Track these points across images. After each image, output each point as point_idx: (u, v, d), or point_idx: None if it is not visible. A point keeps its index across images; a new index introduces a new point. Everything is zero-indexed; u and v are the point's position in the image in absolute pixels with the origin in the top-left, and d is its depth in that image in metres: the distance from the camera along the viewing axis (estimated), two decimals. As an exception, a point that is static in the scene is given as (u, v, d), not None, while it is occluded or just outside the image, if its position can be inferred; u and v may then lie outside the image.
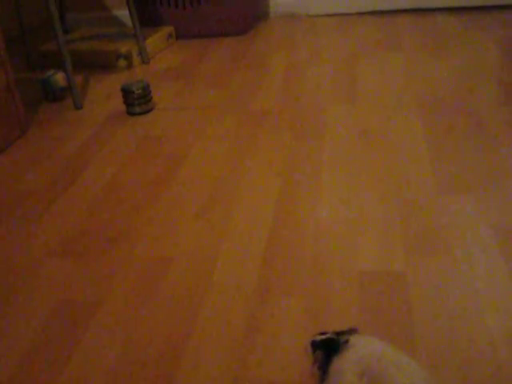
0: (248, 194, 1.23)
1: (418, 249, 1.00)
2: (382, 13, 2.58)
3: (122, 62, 2.15)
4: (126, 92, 1.66)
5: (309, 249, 1.03)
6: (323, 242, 1.04)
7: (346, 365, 0.63)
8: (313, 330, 0.85)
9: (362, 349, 0.65)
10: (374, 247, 1.01)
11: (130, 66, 2.17)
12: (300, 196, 1.19)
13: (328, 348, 0.67)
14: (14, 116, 1.62)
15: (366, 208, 1.13)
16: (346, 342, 0.66)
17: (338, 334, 0.69)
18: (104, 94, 1.91)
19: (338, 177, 1.25)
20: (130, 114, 1.70)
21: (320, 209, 1.14)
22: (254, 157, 1.38)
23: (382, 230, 1.06)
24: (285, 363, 0.80)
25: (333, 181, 1.23)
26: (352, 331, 0.70)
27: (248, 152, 1.41)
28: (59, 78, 1.86)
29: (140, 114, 1.69)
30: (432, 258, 0.97)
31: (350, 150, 1.35)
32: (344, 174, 1.26)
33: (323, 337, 0.69)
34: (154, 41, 2.30)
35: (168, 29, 2.42)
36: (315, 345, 0.68)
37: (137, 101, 1.67)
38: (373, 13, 2.60)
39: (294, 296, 0.92)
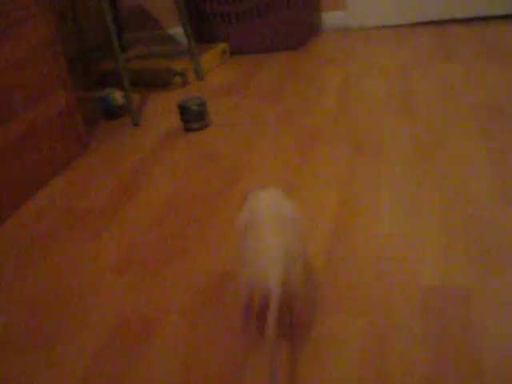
0: (306, 209, 1.22)
1: (483, 264, 0.97)
2: (435, 23, 2.54)
3: (178, 79, 2.19)
4: (183, 108, 1.69)
5: (369, 265, 1.01)
6: (384, 258, 1.02)
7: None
8: (376, 347, 0.83)
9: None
10: (437, 262, 0.99)
11: (185, 82, 2.20)
12: (359, 211, 1.18)
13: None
14: (74, 134, 1.67)
15: (426, 222, 1.10)
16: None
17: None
18: (161, 111, 1.95)
19: (398, 191, 1.23)
20: (187, 130, 1.72)
21: (380, 224, 1.12)
22: (311, 171, 1.38)
23: (444, 245, 1.03)
24: (347, 382, 0.79)
25: (392, 195, 1.21)
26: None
27: (305, 167, 1.40)
28: (117, 96, 1.91)
29: (197, 129, 1.71)
30: (498, 273, 0.94)
31: (409, 163, 1.33)
32: (403, 187, 1.24)
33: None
34: (209, 57, 2.33)
35: (222, 45, 2.45)
36: None
37: (193, 117, 1.69)
38: (426, 23, 2.57)
39: (356, 313, 0.91)
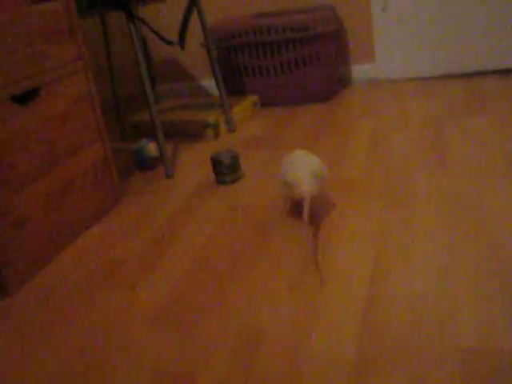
0: (340, 264, 1.21)
1: (523, 326, 0.95)
2: (465, 75, 2.56)
3: (210, 131, 2.22)
4: (216, 161, 1.71)
5: (405, 323, 1.00)
6: (420, 316, 1.01)
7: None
8: (416, 412, 0.82)
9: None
10: (475, 321, 0.97)
11: (217, 134, 2.23)
12: (394, 266, 1.17)
13: None
14: (109, 185, 1.70)
15: (463, 277, 1.09)
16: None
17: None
18: (193, 163, 1.98)
19: (433, 245, 1.22)
20: (220, 182, 1.74)
21: (416, 280, 1.11)
22: (345, 225, 1.38)
23: (482, 302, 1.02)
24: None
25: (427, 250, 1.21)
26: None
27: (337, 221, 1.41)
28: (151, 147, 1.95)
29: (229, 182, 1.73)
30: (540, 336, 0.92)
31: (443, 217, 1.32)
32: (438, 242, 1.23)
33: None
34: (240, 109, 2.37)
35: (253, 97, 2.49)
36: None
37: (226, 170, 1.71)
38: (456, 75, 2.59)
39: (392, 375, 0.89)
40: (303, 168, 1.33)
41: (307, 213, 1.24)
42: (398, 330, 0.99)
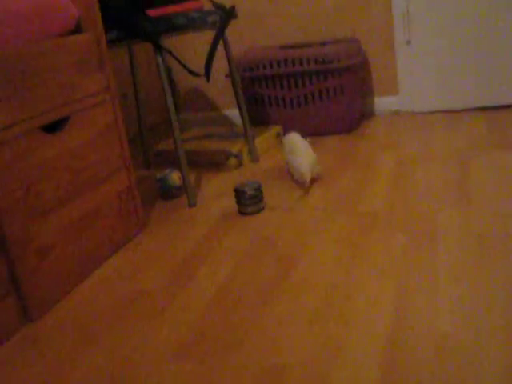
0: (362, 300, 1.21)
1: (551, 370, 0.93)
2: (488, 108, 2.55)
3: (233, 161, 2.24)
4: (239, 192, 1.72)
5: (430, 366, 0.98)
6: (446, 358, 0.99)
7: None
8: None
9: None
10: (502, 362, 0.96)
11: (240, 164, 2.25)
12: (417, 304, 1.16)
13: None
14: (133, 215, 1.71)
15: (490, 317, 1.08)
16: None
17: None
18: (216, 193, 1.99)
19: (457, 283, 1.20)
20: (242, 213, 1.74)
21: (439, 319, 1.10)
22: (367, 260, 1.37)
23: (509, 343, 1.00)
24: None
25: (451, 287, 1.19)
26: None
27: (360, 255, 1.40)
28: (175, 177, 1.96)
29: (252, 213, 1.73)
30: None
31: (467, 255, 1.31)
32: (462, 281, 1.21)
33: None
34: (263, 140, 2.38)
35: (276, 128, 2.50)
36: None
37: (249, 201, 1.72)
38: (479, 109, 2.58)
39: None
40: (304, 159, 1.86)
41: (307, 187, 1.90)
42: (421, 370, 0.97)
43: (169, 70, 3.08)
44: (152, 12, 1.81)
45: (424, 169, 1.91)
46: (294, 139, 1.94)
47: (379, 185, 1.83)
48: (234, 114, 3.04)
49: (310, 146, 1.93)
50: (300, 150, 1.89)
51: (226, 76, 2.57)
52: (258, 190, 1.72)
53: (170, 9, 1.89)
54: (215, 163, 2.31)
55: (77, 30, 1.59)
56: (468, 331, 1.06)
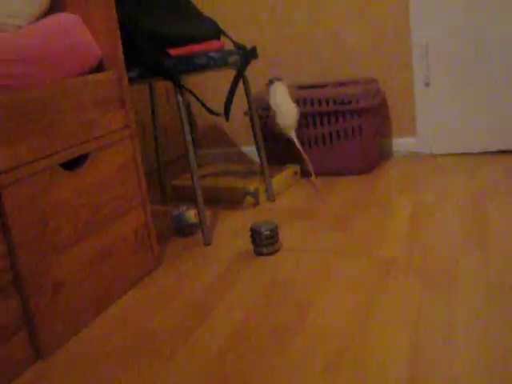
0: (378, 348, 1.18)
1: None
2: (507, 152, 2.54)
3: (249, 199, 2.24)
4: (255, 232, 1.71)
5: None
6: (463, 414, 0.97)
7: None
8: None
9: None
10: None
11: (256, 203, 2.25)
12: (433, 352, 1.13)
13: None
14: (148, 251, 1.71)
15: (506, 365, 1.05)
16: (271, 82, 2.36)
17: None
18: (231, 231, 1.98)
19: (474, 331, 1.18)
20: (258, 254, 1.74)
21: (457, 367, 1.07)
22: (383, 306, 1.35)
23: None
24: None
25: (468, 335, 1.17)
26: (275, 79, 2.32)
27: (376, 301, 1.38)
28: (191, 214, 1.96)
29: (267, 254, 1.72)
30: None
31: (485, 302, 1.29)
32: (480, 327, 1.19)
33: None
34: (281, 179, 2.39)
35: (294, 167, 2.51)
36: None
37: (264, 241, 1.71)
38: (497, 152, 2.57)
39: None
40: (289, 113, 2.25)
41: (300, 147, 2.21)
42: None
43: (187, 106, 3.11)
44: (174, 51, 1.83)
45: (442, 213, 1.90)
46: (283, 91, 2.32)
47: (396, 228, 1.82)
48: (251, 151, 3.06)
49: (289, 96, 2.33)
50: (284, 108, 2.28)
51: (245, 114, 2.59)
52: (274, 230, 1.72)
53: (192, 48, 1.91)
54: (232, 201, 2.31)
55: (99, 68, 1.62)
56: (483, 379, 1.03)
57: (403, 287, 1.43)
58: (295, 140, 2.29)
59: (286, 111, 2.28)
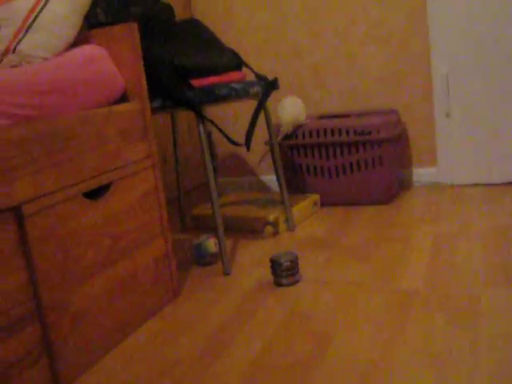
0: (400, 382, 1.17)
1: None
2: (532, 185, 2.52)
3: (269, 229, 2.23)
4: (275, 263, 1.71)
5: None
6: None
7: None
8: None
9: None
10: None
11: (276, 232, 2.24)
12: (458, 393, 1.11)
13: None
14: (168, 280, 1.71)
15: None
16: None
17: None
18: (252, 261, 1.98)
19: (498, 368, 1.15)
20: (278, 284, 1.73)
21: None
22: (405, 340, 1.33)
23: None
24: None
25: (492, 372, 1.14)
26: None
27: (398, 334, 1.36)
28: (211, 244, 1.96)
29: (287, 285, 1.71)
30: None
31: (509, 344, 1.26)
32: (505, 365, 1.16)
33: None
34: (301, 208, 2.38)
35: (314, 196, 2.50)
36: None
37: (284, 272, 1.70)
38: (522, 185, 2.55)
39: None
40: (288, 115, 2.50)
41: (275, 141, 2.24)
42: None
43: (208, 135, 3.13)
44: (196, 82, 1.86)
45: (464, 245, 1.87)
46: (287, 102, 2.54)
47: (418, 260, 1.80)
48: (270, 180, 3.06)
49: (298, 105, 2.53)
50: (286, 111, 2.51)
51: (266, 143, 2.60)
52: (294, 261, 1.71)
53: (214, 79, 1.93)
54: (251, 230, 2.31)
55: (123, 98, 1.64)
56: (512, 426, 1.01)
57: (426, 322, 1.41)
58: (282, 134, 2.58)
59: (287, 106, 2.51)
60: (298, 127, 2.57)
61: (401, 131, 2.54)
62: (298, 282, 1.74)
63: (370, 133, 2.42)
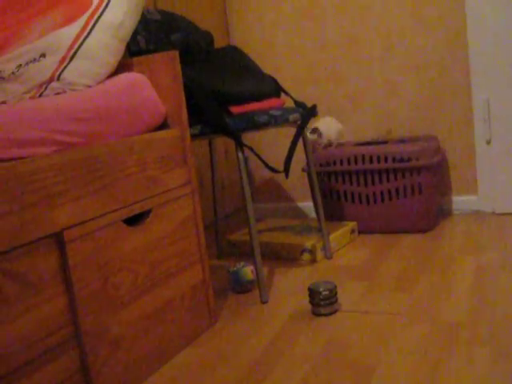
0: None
1: None
2: None
3: (306, 257, 2.21)
4: (313, 292, 1.68)
5: None
6: None
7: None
8: None
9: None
10: None
11: (313, 260, 2.22)
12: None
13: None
14: (205, 309, 1.70)
15: None
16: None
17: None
18: (288, 289, 1.96)
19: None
20: (316, 314, 1.70)
21: None
22: (447, 375, 1.29)
23: None
24: None
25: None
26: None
27: (440, 368, 1.32)
28: (248, 271, 1.95)
29: (325, 315, 1.69)
30: None
31: (561, 381, 1.21)
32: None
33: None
34: (338, 236, 2.36)
35: (351, 224, 2.48)
36: None
37: (322, 302, 1.67)
38: None
39: None
40: (330, 125, 2.64)
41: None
42: None
43: (245, 160, 3.14)
44: (235, 109, 1.86)
45: (508, 276, 1.82)
46: (324, 121, 2.67)
47: (460, 292, 1.75)
48: (307, 206, 3.04)
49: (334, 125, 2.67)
50: (322, 129, 2.63)
51: (303, 170, 2.59)
52: (333, 290, 1.68)
53: (253, 106, 1.94)
54: (288, 257, 2.29)
55: (164, 125, 1.65)
56: None
57: (470, 356, 1.37)
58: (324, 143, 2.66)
59: (328, 120, 2.68)
60: (337, 145, 2.66)
61: (440, 158, 2.50)
62: (336, 311, 1.71)
63: (408, 160, 2.39)
